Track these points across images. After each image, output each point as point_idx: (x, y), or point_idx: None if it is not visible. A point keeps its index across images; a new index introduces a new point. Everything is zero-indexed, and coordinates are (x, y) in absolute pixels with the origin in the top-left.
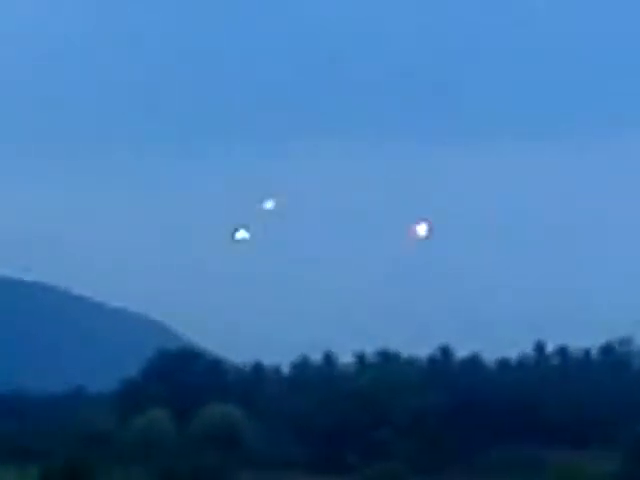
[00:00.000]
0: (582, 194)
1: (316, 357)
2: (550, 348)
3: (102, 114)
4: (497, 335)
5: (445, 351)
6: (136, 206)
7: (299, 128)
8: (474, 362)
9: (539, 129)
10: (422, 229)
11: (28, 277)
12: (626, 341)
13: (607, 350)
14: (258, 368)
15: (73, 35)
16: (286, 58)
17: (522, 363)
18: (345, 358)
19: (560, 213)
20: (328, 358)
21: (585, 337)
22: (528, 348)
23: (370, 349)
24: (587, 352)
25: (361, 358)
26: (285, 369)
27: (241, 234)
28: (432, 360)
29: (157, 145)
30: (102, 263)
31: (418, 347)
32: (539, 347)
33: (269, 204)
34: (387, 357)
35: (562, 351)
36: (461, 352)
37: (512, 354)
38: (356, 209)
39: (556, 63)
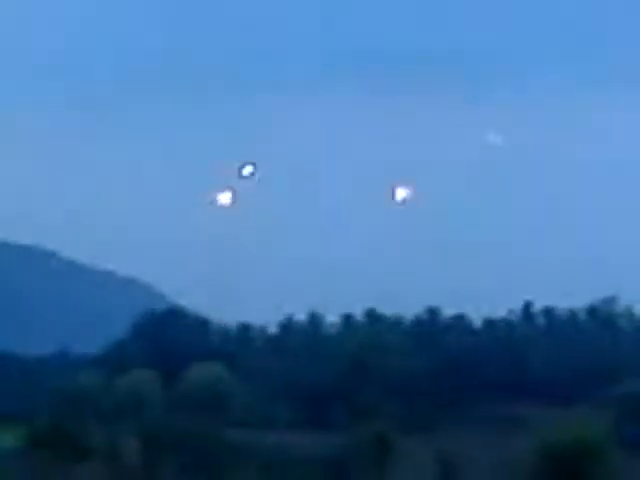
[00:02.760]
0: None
1: (302, 317)
2: (536, 308)
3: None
4: (484, 295)
5: (432, 311)
6: (121, 170)
7: (275, 85)
8: (460, 322)
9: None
10: (403, 192)
11: (14, 239)
12: (610, 300)
13: (593, 310)
14: (244, 328)
15: None
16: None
17: (508, 323)
18: (331, 318)
19: (552, 176)
20: (314, 318)
21: (571, 298)
22: (515, 308)
23: (356, 310)
24: (573, 312)
25: (347, 319)
26: (272, 329)
27: (225, 197)
28: (418, 320)
29: (146, 103)
30: (90, 226)
31: (404, 307)
32: (525, 307)
33: (248, 169)
34: (373, 317)
35: (548, 311)
36: (447, 312)
37: (498, 314)
38: (337, 172)
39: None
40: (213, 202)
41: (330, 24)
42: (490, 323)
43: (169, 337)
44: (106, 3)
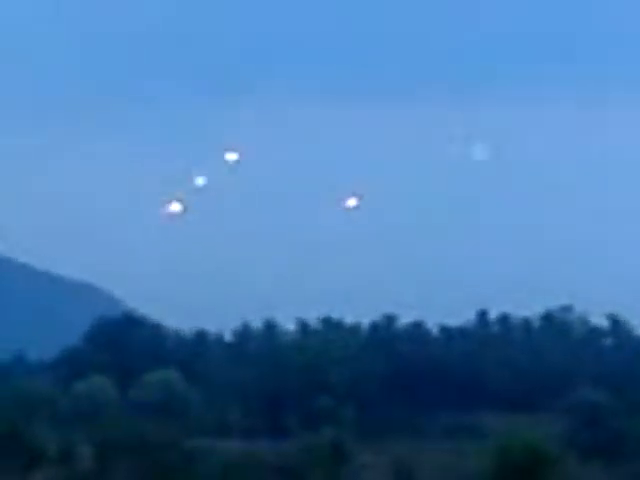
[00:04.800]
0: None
1: (258, 324)
2: (492, 316)
3: None
4: (440, 303)
5: (388, 318)
6: (75, 173)
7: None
8: (417, 329)
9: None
10: (352, 199)
11: None
12: (566, 309)
13: (547, 318)
14: (200, 335)
15: None
16: None
17: (464, 330)
18: (288, 325)
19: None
20: (269, 325)
21: (526, 306)
22: (470, 316)
23: (313, 316)
24: (528, 320)
25: (303, 326)
26: (228, 336)
27: (175, 206)
28: (375, 327)
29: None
30: (42, 231)
31: (362, 314)
32: (481, 315)
33: (200, 180)
34: (329, 324)
35: (504, 319)
36: (404, 319)
37: (454, 322)
38: (284, 180)
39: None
40: (168, 209)
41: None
42: (446, 330)
43: (125, 343)
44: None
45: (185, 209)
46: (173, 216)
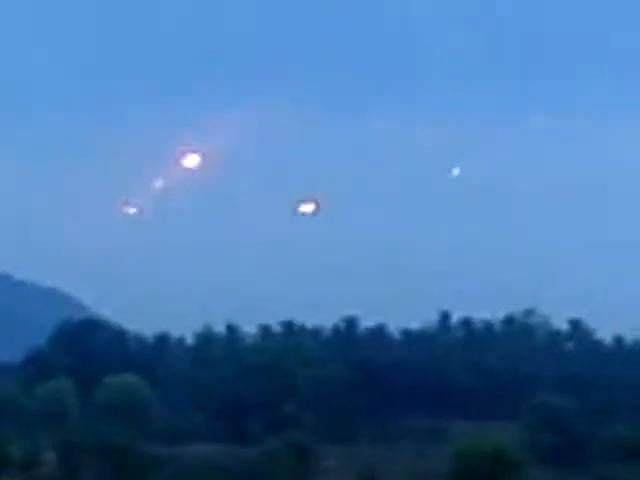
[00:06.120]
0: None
1: (219, 328)
2: (454, 319)
3: None
4: (401, 306)
5: (350, 322)
6: (34, 174)
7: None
8: (379, 333)
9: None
10: (309, 206)
11: None
12: (529, 312)
13: (509, 321)
14: (162, 339)
15: None
16: None
17: (426, 334)
18: (249, 329)
19: (474, 182)
20: (231, 329)
21: (488, 309)
22: (432, 319)
23: (274, 320)
24: (490, 323)
25: (265, 329)
26: (189, 340)
27: (131, 209)
28: (336, 330)
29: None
30: (5, 236)
31: (323, 318)
32: (443, 318)
33: (159, 183)
34: (291, 328)
35: (466, 322)
36: (366, 323)
37: (416, 325)
38: (250, 186)
39: None
40: (127, 212)
41: None
42: (408, 333)
43: (87, 347)
44: None
45: (145, 213)
46: (132, 219)
